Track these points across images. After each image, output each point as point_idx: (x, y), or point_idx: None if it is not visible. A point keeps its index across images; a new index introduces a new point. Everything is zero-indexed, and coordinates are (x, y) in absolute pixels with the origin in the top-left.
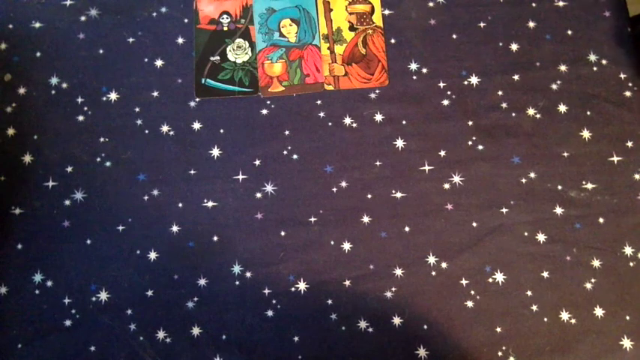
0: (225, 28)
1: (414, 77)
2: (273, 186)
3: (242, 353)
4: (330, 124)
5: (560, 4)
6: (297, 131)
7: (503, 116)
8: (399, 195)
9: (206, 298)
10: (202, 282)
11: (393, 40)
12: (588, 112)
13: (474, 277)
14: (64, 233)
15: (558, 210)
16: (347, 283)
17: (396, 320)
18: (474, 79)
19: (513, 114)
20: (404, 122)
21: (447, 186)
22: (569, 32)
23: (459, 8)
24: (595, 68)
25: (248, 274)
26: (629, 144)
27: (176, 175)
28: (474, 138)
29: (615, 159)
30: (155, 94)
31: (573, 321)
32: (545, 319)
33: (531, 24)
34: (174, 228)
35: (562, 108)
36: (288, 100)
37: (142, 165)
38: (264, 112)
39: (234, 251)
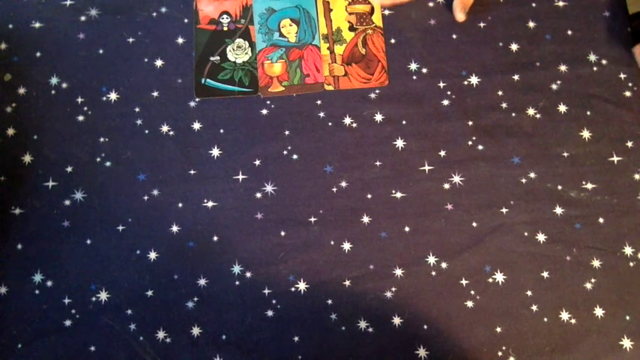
0: (225, 28)
1: (414, 77)
2: (273, 186)
3: (242, 353)
4: (330, 124)
5: (560, 4)
6: (297, 131)
7: (503, 116)
8: (399, 195)
9: (206, 298)
10: (202, 282)
11: (392, 40)
12: (588, 112)
13: (474, 277)
14: (64, 233)
15: (558, 210)
16: (347, 283)
17: (396, 320)
18: (474, 79)
19: (513, 114)
20: (404, 122)
21: (447, 186)
22: (569, 32)
23: None
24: (595, 68)
25: (248, 274)
26: (629, 144)
27: (176, 175)
28: (474, 138)
29: (615, 159)
30: (155, 94)
31: (573, 321)
32: (545, 319)
33: (531, 24)
34: (174, 228)
35: (562, 108)
36: (288, 100)
37: (142, 165)
38: (264, 112)
39: (234, 251)
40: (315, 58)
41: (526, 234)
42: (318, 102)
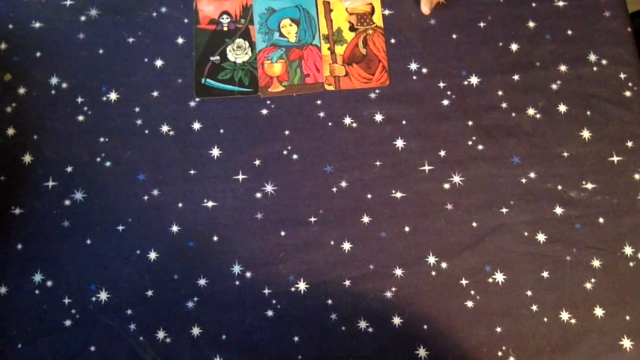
0: (225, 28)
1: (414, 77)
2: (273, 186)
3: (242, 353)
4: (330, 124)
5: (560, 4)
6: (297, 131)
7: (503, 116)
8: (399, 195)
9: (206, 298)
10: (202, 282)
11: (393, 40)
12: (588, 112)
13: (473, 277)
14: (64, 233)
15: (558, 210)
16: (347, 283)
17: (396, 320)
18: (474, 79)
19: (513, 114)
20: (404, 122)
21: (447, 186)
22: (569, 32)
23: (459, 8)
24: (595, 68)
25: (248, 274)
26: (629, 144)
27: (176, 175)
28: (474, 138)
29: (615, 159)
30: (155, 94)
31: (573, 321)
32: (545, 319)
33: (531, 24)
34: (174, 228)
35: (562, 108)
36: (288, 100)
37: (142, 165)
38: (264, 112)
39: (234, 251)
40: (315, 58)
41: (526, 234)
42: (318, 102)
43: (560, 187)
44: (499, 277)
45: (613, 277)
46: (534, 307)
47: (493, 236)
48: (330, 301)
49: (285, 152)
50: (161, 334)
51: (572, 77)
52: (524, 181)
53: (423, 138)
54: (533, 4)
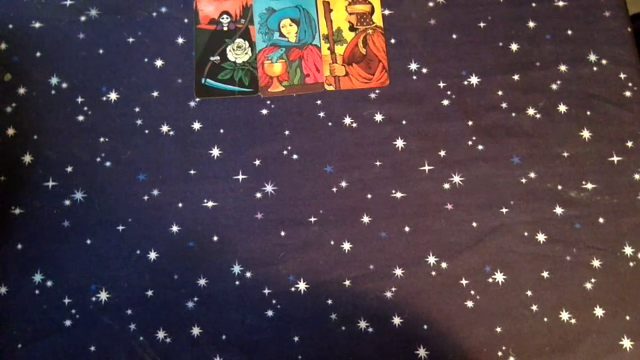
0: (225, 28)
1: (414, 77)
2: (273, 186)
3: (242, 353)
4: (330, 124)
5: (560, 4)
6: (297, 131)
7: (503, 116)
8: (399, 195)
9: (206, 298)
10: (202, 282)
11: (393, 40)
12: (588, 112)
13: (473, 277)
14: (64, 233)
15: (558, 210)
16: (347, 283)
17: (396, 320)
18: (474, 79)
19: (513, 114)
20: (404, 122)
21: (447, 186)
22: (569, 32)
23: (459, 8)
24: (595, 68)
25: (248, 274)
26: (629, 144)
27: (176, 175)
28: (474, 138)
29: (615, 159)
30: (155, 94)
31: (573, 321)
32: (545, 319)
33: (531, 24)
34: (174, 228)
35: (562, 108)
36: (288, 100)
37: (142, 165)
38: (264, 112)
39: (234, 251)
40: (315, 58)
41: (526, 234)
42: (318, 102)
43: (560, 187)
44: (499, 277)
45: (613, 277)
46: (534, 307)
47: (493, 236)
48: (330, 301)
49: (285, 152)
50: (161, 334)
51: (572, 77)
52: (524, 181)
53: (423, 138)
54: (533, 4)
